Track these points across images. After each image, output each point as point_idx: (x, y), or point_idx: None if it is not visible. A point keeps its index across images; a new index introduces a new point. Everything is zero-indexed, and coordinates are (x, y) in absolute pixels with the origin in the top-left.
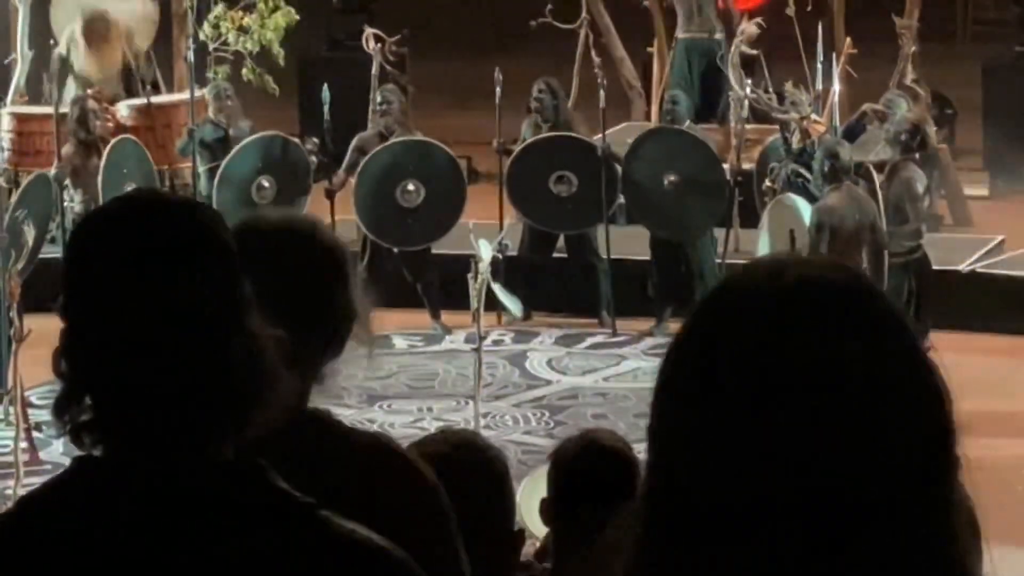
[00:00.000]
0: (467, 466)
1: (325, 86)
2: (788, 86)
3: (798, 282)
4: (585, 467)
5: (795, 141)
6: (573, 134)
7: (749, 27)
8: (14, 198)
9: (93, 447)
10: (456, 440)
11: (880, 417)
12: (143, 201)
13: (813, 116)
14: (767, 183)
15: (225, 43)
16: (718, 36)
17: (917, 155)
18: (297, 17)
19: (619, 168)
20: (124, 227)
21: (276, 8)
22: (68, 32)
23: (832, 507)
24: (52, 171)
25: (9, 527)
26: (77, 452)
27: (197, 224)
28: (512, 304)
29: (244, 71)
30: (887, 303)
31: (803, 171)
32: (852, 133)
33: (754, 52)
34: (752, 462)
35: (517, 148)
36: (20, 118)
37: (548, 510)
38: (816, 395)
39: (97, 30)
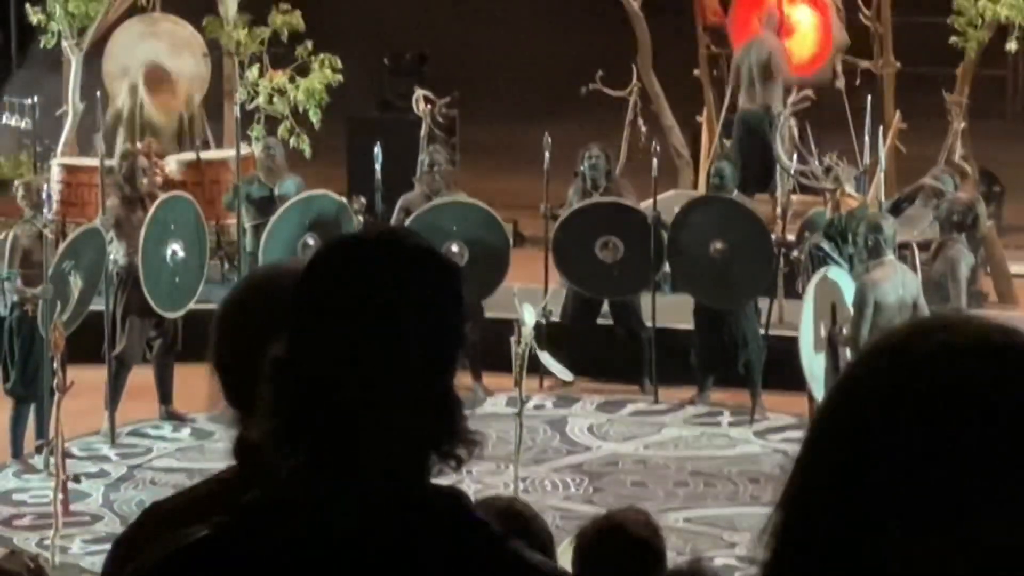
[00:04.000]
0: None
1: (378, 145)
2: (831, 158)
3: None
4: (607, 555)
5: (827, 212)
6: (619, 200)
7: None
8: (61, 248)
9: (304, 479)
10: (500, 508)
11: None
12: (381, 243)
13: (848, 190)
14: (795, 253)
15: (257, 106)
16: (775, 109)
17: (964, 235)
18: (339, 78)
19: (665, 236)
20: (367, 270)
21: (332, 66)
22: (128, 84)
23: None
24: (98, 222)
25: (230, 537)
26: (115, 505)
27: (436, 271)
28: (560, 371)
29: (280, 130)
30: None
31: (824, 245)
32: (897, 207)
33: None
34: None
35: (563, 213)
36: (69, 169)
37: None
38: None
39: (158, 78)
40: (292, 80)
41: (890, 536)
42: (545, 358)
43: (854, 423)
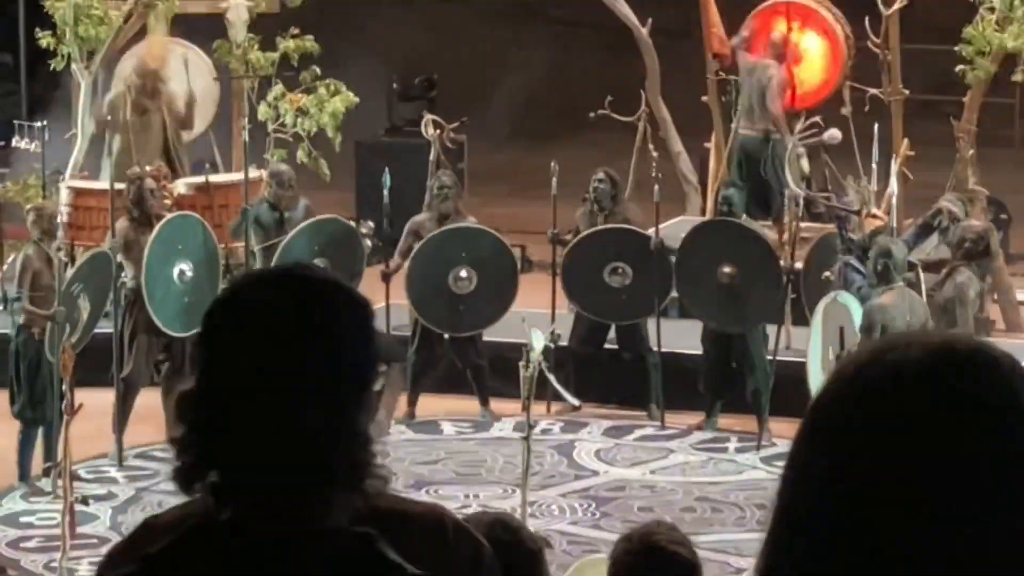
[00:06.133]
0: (502, 544)
1: (387, 170)
2: (851, 180)
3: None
4: (646, 572)
5: (855, 233)
6: (628, 226)
7: (833, 132)
8: (70, 272)
9: (217, 509)
10: (491, 519)
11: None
12: (291, 278)
13: (873, 210)
14: (826, 274)
15: (283, 124)
16: (775, 134)
17: (974, 262)
18: (356, 100)
19: (672, 261)
20: (271, 304)
21: (336, 92)
22: (120, 89)
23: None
24: (106, 245)
25: None
26: (123, 527)
27: (345, 306)
28: (569, 397)
29: (300, 153)
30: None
31: (855, 262)
32: (925, 232)
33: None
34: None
35: (572, 238)
36: (78, 192)
37: None
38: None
39: (148, 85)
40: (319, 103)
41: (861, 553)
42: (554, 382)
43: (815, 443)
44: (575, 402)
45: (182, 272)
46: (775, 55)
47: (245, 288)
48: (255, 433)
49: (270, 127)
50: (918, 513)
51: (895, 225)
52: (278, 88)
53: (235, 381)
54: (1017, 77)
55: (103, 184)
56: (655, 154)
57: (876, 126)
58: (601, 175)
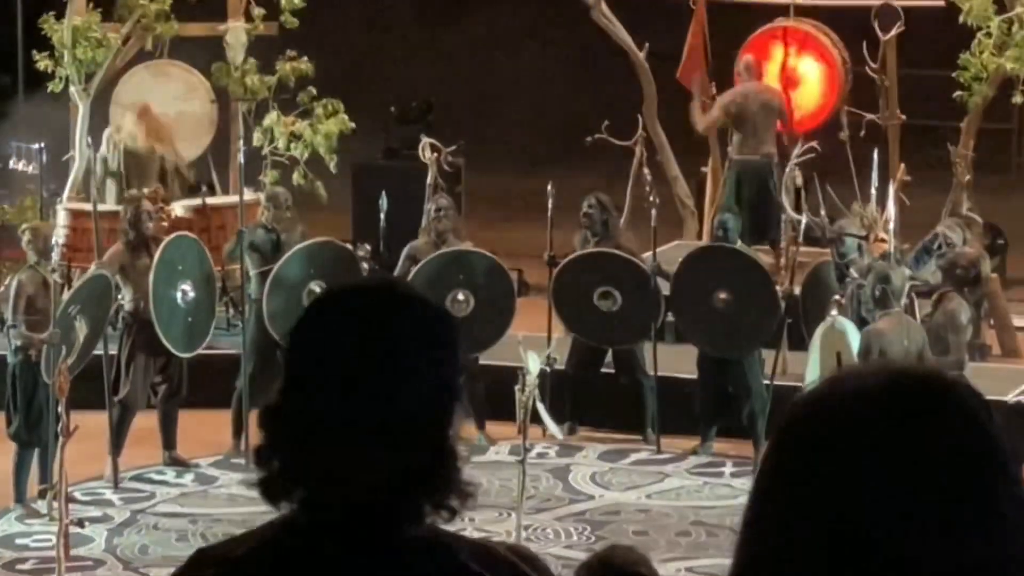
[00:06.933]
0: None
1: (384, 194)
2: (856, 206)
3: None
4: None
5: (865, 258)
6: (614, 251)
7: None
8: (67, 293)
9: (303, 517)
10: (504, 548)
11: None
12: (381, 290)
13: (881, 234)
14: (835, 297)
15: (276, 148)
16: (772, 159)
17: (965, 288)
18: (352, 125)
19: (666, 285)
20: (362, 316)
21: (335, 112)
22: (116, 126)
23: None
24: (92, 268)
25: None
26: (118, 550)
27: (433, 321)
28: (553, 427)
29: (295, 176)
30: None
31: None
32: (926, 256)
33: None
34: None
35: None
36: (75, 214)
37: None
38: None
39: (149, 118)
40: (312, 126)
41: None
42: (542, 410)
43: (779, 467)
44: (559, 434)
45: (184, 292)
46: (754, 78)
47: (334, 299)
48: (344, 444)
49: (265, 150)
50: (876, 537)
51: (891, 250)
52: (273, 115)
53: (325, 392)
54: (1017, 99)
55: (101, 206)
56: (649, 177)
57: (876, 151)
58: (592, 200)
